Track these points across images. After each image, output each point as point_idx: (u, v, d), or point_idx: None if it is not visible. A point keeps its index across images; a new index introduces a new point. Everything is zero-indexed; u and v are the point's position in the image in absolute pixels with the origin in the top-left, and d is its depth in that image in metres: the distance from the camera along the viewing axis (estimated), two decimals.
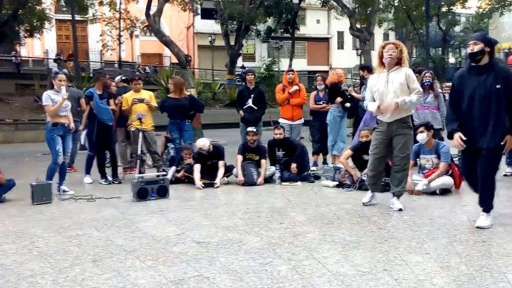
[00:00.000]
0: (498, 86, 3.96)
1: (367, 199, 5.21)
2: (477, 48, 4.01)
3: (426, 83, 7.30)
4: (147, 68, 31.66)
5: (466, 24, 43.74)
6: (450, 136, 4.25)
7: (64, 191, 6.28)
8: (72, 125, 6.36)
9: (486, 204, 4.20)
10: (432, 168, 5.93)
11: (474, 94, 4.05)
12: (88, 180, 7.22)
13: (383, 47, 4.88)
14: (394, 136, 4.92)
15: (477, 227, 4.11)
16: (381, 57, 4.88)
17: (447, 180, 5.77)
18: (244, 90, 8.54)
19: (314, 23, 41.51)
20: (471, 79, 4.10)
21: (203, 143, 6.86)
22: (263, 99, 8.45)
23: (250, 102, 8.19)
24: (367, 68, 8.46)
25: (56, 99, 6.13)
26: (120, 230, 4.44)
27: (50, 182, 5.96)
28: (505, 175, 6.89)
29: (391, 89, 4.80)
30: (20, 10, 19.85)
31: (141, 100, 7.30)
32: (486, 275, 3.04)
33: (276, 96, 8.43)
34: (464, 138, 4.08)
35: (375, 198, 5.25)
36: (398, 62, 4.81)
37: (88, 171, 7.34)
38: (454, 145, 4.34)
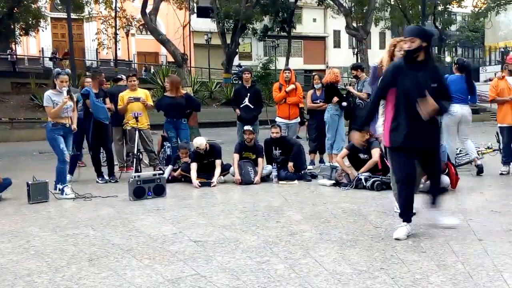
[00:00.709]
0: (434, 85, 3.78)
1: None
2: (414, 45, 3.74)
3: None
4: (149, 67, 31.57)
5: (462, 23, 43.89)
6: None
7: (60, 189, 6.15)
8: (74, 126, 6.24)
9: (437, 204, 4.14)
10: None
11: (410, 91, 3.78)
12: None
13: (395, 45, 4.52)
14: None
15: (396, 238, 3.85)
16: (391, 55, 4.54)
17: (443, 179, 5.78)
18: (240, 89, 8.54)
19: (310, 22, 41.56)
20: (408, 74, 3.81)
21: (200, 142, 6.85)
22: (259, 98, 8.45)
23: (246, 101, 8.19)
24: (359, 67, 8.50)
25: (56, 100, 6.04)
26: (116, 229, 4.42)
27: (46, 181, 5.92)
28: (501, 173, 6.93)
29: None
30: (16, 8, 19.77)
31: (137, 99, 7.29)
32: (482, 273, 3.05)
33: (273, 95, 8.43)
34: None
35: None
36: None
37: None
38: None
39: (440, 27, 35.73)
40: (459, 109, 6.74)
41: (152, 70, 30.40)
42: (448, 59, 45.07)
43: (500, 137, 7.24)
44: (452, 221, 4.20)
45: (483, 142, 9.37)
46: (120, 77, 8.67)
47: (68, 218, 4.93)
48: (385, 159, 6.59)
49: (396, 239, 3.81)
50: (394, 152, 3.98)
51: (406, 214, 3.95)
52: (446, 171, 5.84)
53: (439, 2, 31.23)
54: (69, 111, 6.15)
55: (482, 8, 31.78)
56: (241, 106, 8.22)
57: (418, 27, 4.00)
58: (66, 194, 5.99)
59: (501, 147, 7.16)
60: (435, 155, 4.06)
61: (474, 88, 6.90)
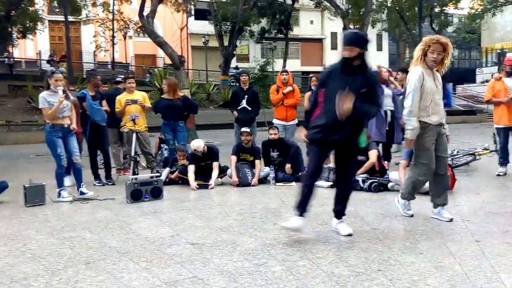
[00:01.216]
0: (363, 90, 3.80)
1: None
2: (353, 54, 3.79)
3: None
4: (152, 70, 31.43)
5: (458, 25, 44.02)
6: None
7: (82, 193, 6.11)
8: (74, 125, 6.11)
9: (345, 205, 4.17)
10: None
11: (335, 94, 3.81)
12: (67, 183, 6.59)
13: (429, 46, 4.23)
14: (438, 137, 4.38)
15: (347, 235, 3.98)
16: (424, 54, 4.29)
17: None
18: (238, 91, 8.54)
19: (307, 24, 41.60)
20: (338, 78, 3.87)
21: (198, 144, 6.85)
22: (257, 100, 8.45)
23: (244, 103, 8.19)
24: None
25: (52, 100, 5.89)
26: (113, 231, 4.41)
27: (44, 184, 5.90)
28: (498, 174, 6.94)
29: (440, 89, 4.36)
30: (13, 11, 19.75)
31: (134, 101, 7.28)
32: (479, 275, 3.05)
33: (270, 97, 8.44)
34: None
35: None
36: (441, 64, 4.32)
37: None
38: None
39: (436, 29, 35.82)
40: None
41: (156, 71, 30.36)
42: None
43: (497, 138, 7.26)
44: (348, 231, 4.05)
45: (480, 143, 9.40)
46: (119, 79, 8.65)
47: (65, 221, 4.91)
48: (382, 160, 6.61)
49: (284, 227, 3.95)
50: (311, 145, 4.10)
51: (302, 207, 3.98)
52: None
53: (435, 3, 31.32)
54: (66, 110, 6.00)
55: (479, 10, 31.88)
56: (238, 108, 8.22)
57: (356, 34, 3.93)
58: (63, 197, 5.96)
59: (497, 148, 7.17)
60: (351, 156, 4.11)
61: (448, 93, 7.19)
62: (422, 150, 4.33)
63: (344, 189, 4.20)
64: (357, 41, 3.83)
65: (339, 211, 4.18)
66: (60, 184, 6.04)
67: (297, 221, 3.90)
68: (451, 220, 4.37)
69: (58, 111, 5.88)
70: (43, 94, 5.98)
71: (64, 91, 5.95)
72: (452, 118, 18.99)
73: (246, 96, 8.21)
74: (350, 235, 3.98)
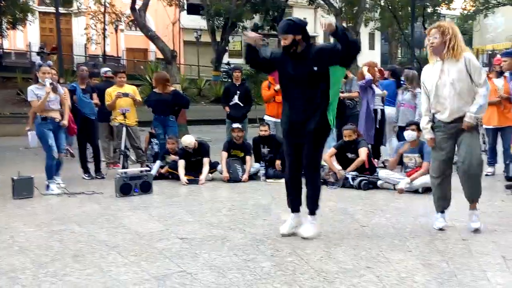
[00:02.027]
0: (315, 69, 3.76)
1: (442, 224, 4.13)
2: (287, 42, 3.78)
3: (403, 83, 7.59)
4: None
5: None
6: None
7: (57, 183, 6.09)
8: (64, 122, 6.09)
9: (314, 203, 3.99)
10: (415, 167, 6.00)
11: (293, 80, 3.87)
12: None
13: (428, 34, 4.02)
14: (458, 137, 4.04)
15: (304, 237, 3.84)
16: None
17: (429, 179, 5.82)
18: (230, 87, 8.52)
19: None
20: (288, 63, 3.86)
21: (189, 141, 6.83)
22: (249, 96, 8.44)
23: (236, 99, 8.18)
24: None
25: (40, 93, 5.90)
26: (102, 225, 4.39)
27: (32, 177, 5.86)
28: (486, 175, 6.99)
29: (448, 82, 3.91)
30: (3, 2, 19.51)
31: (125, 95, 7.23)
32: (466, 273, 3.08)
33: (262, 93, 8.43)
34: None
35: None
36: (450, 47, 3.89)
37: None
38: None
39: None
40: (389, 111, 7.61)
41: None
42: None
43: (486, 139, 7.32)
44: (307, 233, 3.89)
45: None
46: (107, 72, 8.53)
47: (53, 214, 4.87)
48: (372, 158, 6.65)
49: (283, 234, 3.90)
50: (284, 137, 4.10)
51: (291, 203, 4.00)
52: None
53: (428, 4, 31.45)
54: (55, 103, 5.99)
55: (471, 11, 32.10)
56: (230, 104, 8.20)
57: (289, 22, 3.85)
58: (51, 190, 5.92)
59: (486, 148, 7.23)
60: (311, 141, 3.86)
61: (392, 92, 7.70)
62: (432, 148, 4.19)
63: (307, 187, 4.01)
64: (289, 28, 3.80)
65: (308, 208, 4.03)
66: (50, 176, 6.00)
67: (288, 223, 3.97)
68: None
69: (45, 103, 5.87)
70: (32, 87, 5.99)
71: (51, 84, 5.93)
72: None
73: (238, 92, 8.20)
74: (306, 238, 3.83)
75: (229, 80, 9.65)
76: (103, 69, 8.67)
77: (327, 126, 3.89)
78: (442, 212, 4.19)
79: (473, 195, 4.12)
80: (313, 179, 3.98)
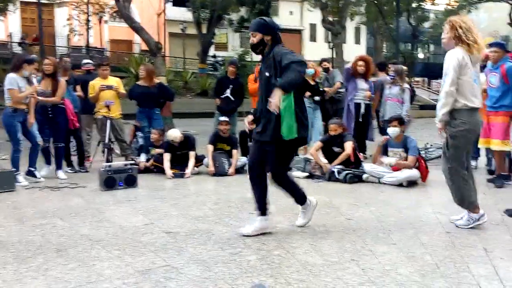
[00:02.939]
0: (267, 74, 3.68)
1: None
2: (256, 39, 3.69)
3: (391, 77, 7.63)
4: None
5: (435, 21, 44.64)
6: None
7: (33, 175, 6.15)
8: (32, 120, 6.10)
9: (260, 202, 3.88)
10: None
11: (261, 84, 3.84)
12: (61, 175, 6.52)
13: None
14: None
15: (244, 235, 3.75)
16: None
17: (413, 173, 5.89)
18: (223, 80, 8.44)
19: (287, 15, 41.50)
20: (261, 65, 3.84)
21: (175, 135, 6.77)
22: (241, 91, 8.33)
23: (228, 92, 8.09)
24: (326, 60, 8.78)
25: (21, 85, 5.93)
26: (85, 219, 4.33)
27: (13, 170, 5.77)
28: None
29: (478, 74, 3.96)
30: None
31: (109, 87, 7.13)
32: (449, 265, 3.12)
33: (248, 87, 8.39)
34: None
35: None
36: (460, 42, 3.82)
37: (48, 160, 6.78)
38: None
39: (413, 24, 36.28)
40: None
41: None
42: (421, 55, 45.88)
43: None
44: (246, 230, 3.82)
45: None
46: (87, 64, 8.37)
47: (35, 208, 4.80)
48: (357, 152, 6.69)
49: (245, 235, 3.71)
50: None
51: (258, 205, 3.87)
52: (417, 164, 5.95)
53: None
54: (29, 97, 6.05)
55: (455, 7, 32.39)
56: (221, 96, 8.13)
57: (260, 20, 3.77)
58: (19, 182, 5.86)
59: None
60: (270, 149, 3.75)
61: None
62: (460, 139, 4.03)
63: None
64: (259, 27, 3.71)
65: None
66: (17, 167, 5.96)
67: (256, 224, 3.79)
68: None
69: (25, 97, 5.96)
70: (14, 76, 5.96)
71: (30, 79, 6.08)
72: (425, 112, 19.35)
73: (231, 86, 8.09)
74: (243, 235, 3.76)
75: (215, 73, 9.56)
76: (84, 61, 8.52)
77: (281, 140, 3.63)
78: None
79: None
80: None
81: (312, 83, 7.68)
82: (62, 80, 6.66)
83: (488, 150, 6.47)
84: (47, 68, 6.40)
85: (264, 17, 3.87)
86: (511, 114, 5.63)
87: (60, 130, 6.56)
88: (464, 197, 3.94)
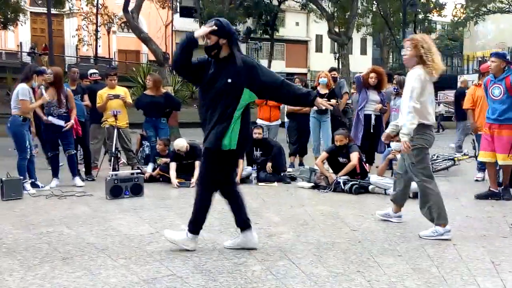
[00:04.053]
0: (229, 81, 3.47)
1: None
2: (211, 41, 3.50)
3: (395, 89, 7.62)
4: None
5: (441, 32, 44.69)
6: None
7: (37, 186, 6.22)
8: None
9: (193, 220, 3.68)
10: None
11: (205, 87, 3.58)
12: (78, 183, 6.61)
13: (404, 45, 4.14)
14: None
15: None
16: None
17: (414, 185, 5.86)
18: None
19: (293, 26, 41.73)
20: (210, 71, 3.57)
21: (181, 144, 6.80)
22: None
23: None
24: (335, 70, 8.82)
25: (32, 97, 6.12)
26: (92, 228, 4.35)
27: (21, 178, 5.82)
28: (476, 180, 7.06)
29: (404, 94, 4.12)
30: None
31: (116, 96, 7.20)
32: (456, 278, 3.09)
33: None
34: None
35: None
36: (422, 61, 3.99)
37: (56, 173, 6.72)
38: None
39: None
40: None
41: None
42: None
43: (476, 144, 7.38)
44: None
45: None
46: (93, 73, 8.46)
47: (42, 216, 4.82)
48: (363, 163, 6.68)
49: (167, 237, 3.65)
50: None
51: (195, 223, 3.65)
52: None
53: (419, 10, 31.73)
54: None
55: (461, 18, 32.42)
56: None
57: (216, 21, 3.54)
58: (26, 190, 5.91)
59: (477, 154, 7.29)
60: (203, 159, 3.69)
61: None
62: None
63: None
64: (216, 30, 3.49)
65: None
66: (24, 175, 6.02)
67: (183, 236, 3.63)
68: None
69: (35, 108, 6.20)
70: (26, 87, 6.11)
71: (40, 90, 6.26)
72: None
73: None
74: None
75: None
76: (90, 71, 8.62)
77: (218, 150, 3.51)
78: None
79: None
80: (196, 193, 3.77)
81: (326, 91, 7.74)
82: (69, 90, 6.75)
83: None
84: (49, 77, 6.45)
85: (219, 18, 3.62)
86: None
87: (70, 137, 6.62)
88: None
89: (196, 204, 3.73)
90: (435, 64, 3.98)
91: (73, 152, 6.61)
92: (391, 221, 4.55)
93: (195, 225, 3.67)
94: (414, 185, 5.76)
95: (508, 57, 5.89)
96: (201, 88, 3.66)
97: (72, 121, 6.51)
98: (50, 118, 6.39)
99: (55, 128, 6.47)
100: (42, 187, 6.24)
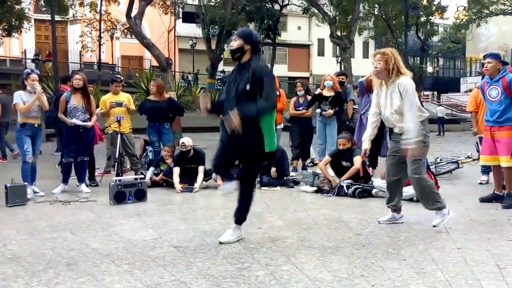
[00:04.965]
0: (247, 88, 3.72)
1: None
2: (236, 44, 3.79)
3: None
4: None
5: (444, 35, 44.67)
6: None
7: (34, 192, 6.17)
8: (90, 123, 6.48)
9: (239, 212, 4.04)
10: None
11: (229, 91, 3.87)
12: (84, 189, 6.61)
13: (373, 58, 4.42)
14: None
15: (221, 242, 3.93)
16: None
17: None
18: None
19: (295, 30, 41.85)
20: (233, 75, 3.91)
21: (187, 140, 6.86)
22: None
23: None
24: (344, 74, 8.72)
25: (26, 100, 6.09)
26: (96, 233, 4.36)
27: (25, 184, 5.84)
28: (480, 183, 7.04)
29: (388, 104, 4.37)
30: None
31: (119, 104, 7.21)
32: (461, 281, 3.08)
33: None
34: None
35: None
36: (392, 73, 4.29)
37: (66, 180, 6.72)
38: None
39: (422, 38, 36.31)
40: None
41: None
42: (430, 69, 45.79)
43: (480, 147, 7.35)
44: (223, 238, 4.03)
45: (463, 151, 9.51)
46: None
47: (46, 221, 4.84)
48: (366, 167, 6.67)
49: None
50: None
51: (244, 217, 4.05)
52: None
53: (421, 13, 31.75)
54: (36, 110, 6.18)
55: (464, 20, 32.42)
56: None
57: (244, 29, 3.96)
58: (28, 194, 5.93)
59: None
60: (250, 162, 3.91)
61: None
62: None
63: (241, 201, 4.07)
64: (242, 35, 3.83)
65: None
66: (27, 180, 6.03)
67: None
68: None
69: (32, 106, 6.08)
70: (19, 92, 6.19)
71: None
72: (434, 126, 19.25)
73: None
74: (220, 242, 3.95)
75: (224, 88, 9.62)
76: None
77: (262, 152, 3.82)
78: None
79: None
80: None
81: (332, 93, 7.76)
82: (92, 96, 6.80)
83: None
84: (77, 82, 6.49)
85: (250, 28, 3.98)
86: None
87: (87, 144, 6.66)
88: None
89: (247, 201, 4.05)
90: (407, 74, 4.36)
91: (85, 159, 6.62)
92: (397, 223, 4.55)
93: (243, 218, 4.09)
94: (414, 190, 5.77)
95: (507, 58, 5.87)
96: (226, 93, 3.95)
97: (93, 121, 6.59)
98: (74, 120, 6.41)
99: (76, 134, 6.48)
100: (36, 192, 6.21)
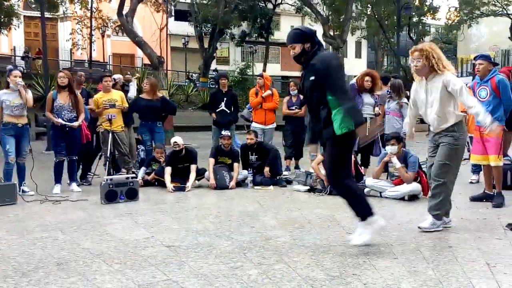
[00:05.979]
0: (312, 78, 3.72)
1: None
2: (297, 51, 3.78)
3: (388, 92, 7.64)
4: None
5: (435, 35, 44.92)
6: None
7: (23, 191, 6.12)
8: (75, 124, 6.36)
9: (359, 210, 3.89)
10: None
11: (306, 90, 3.86)
12: (75, 188, 6.59)
13: (412, 55, 4.27)
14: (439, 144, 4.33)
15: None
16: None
17: (415, 187, 5.88)
18: (217, 93, 8.53)
19: (288, 29, 41.68)
20: (304, 74, 3.87)
21: (178, 139, 6.84)
22: (235, 103, 8.47)
23: (223, 105, 8.19)
24: None
25: (6, 98, 5.98)
26: (87, 233, 4.33)
27: (14, 183, 5.78)
28: (470, 182, 7.09)
29: (430, 100, 4.25)
30: None
31: (112, 105, 7.13)
32: (452, 280, 3.10)
33: (249, 100, 8.45)
34: None
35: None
36: (433, 69, 4.17)
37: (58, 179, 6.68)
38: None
39: (414, 38, 36.47)
40: None
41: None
42: None
43: (470, 147, 7.40)
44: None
45: None
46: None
47: (36, 221, 4.79)
48: (358, 166, 6.68)
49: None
50: None
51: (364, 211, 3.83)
52: (418, 179, 5.94)
53: (413, 13, 31.89)
54: (19, 109, 6.06)
55: (455, 21, 32.59)
56: (217, 110, 8.21)
57: (296, 31, 3.85)
58: (23, 192, 5.93)
59: None
60: (329, 147, 3.84)
61: None
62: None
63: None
64: (295, 38, 3.80)
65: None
66: (8, 179, 5.96)
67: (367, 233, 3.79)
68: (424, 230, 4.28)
69: (11, 108, 5.98)
70: (2, 91, 6.08)
71: (24, 87, 6.07)
72: (425, 126, 19.32)
73: (225, 99, 8.21)
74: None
75: (216, 87, 9.63)
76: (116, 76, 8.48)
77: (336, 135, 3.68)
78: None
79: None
80: (337, 189, 4.03)
81: None
82: (79, 94, 6.72)
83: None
84: (62, 80, 6.40)
85: (298, 27, 3.94)
86: (504, 128, 5.55)
87: (75, 144, 6.57)
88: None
89: (351, 200, 3.90)
90: (451, 69, 4.22)
91: (74, 158, 6.55)
92: (449, 226, 4.46)
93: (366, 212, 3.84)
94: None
95: (497, 59, 5.93)
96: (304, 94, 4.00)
97: (80, 121, 6.46)
98: (60, 120, 6.32)
99: (63, 133, 6.40)
100: (26, 191, 6.15)
